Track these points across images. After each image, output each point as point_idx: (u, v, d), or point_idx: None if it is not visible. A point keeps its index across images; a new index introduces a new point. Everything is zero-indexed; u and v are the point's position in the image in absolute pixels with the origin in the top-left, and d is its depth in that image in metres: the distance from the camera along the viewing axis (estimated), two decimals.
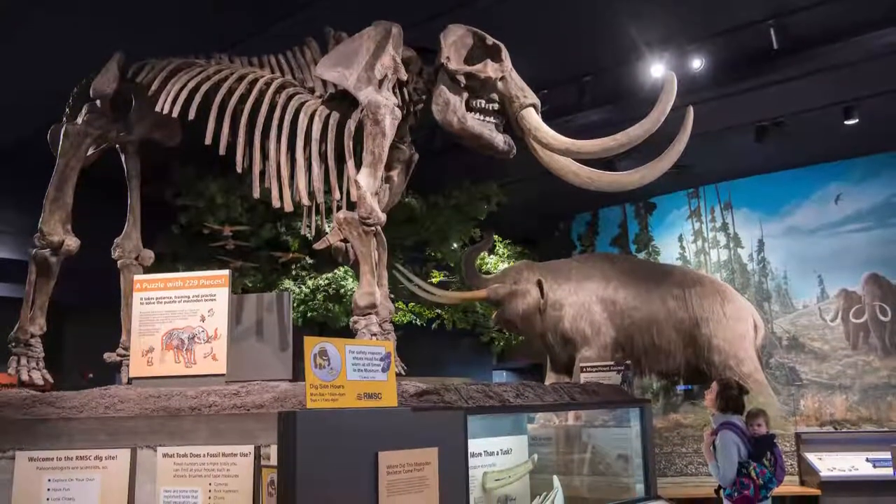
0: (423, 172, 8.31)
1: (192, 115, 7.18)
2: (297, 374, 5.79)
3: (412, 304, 15.93)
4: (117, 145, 8.02)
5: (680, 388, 13.34)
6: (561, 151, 7.09)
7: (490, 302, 13.28)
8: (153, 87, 7.34)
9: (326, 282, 14.33)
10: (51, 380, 7.33)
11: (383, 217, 6.85)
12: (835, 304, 15.28)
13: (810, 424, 12.17)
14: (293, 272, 14.54)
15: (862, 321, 14.89)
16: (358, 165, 6.90)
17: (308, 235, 7.88)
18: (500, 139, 7.28)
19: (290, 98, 7.28)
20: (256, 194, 7.21)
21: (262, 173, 7.17)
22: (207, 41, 8.32)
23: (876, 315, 14.74)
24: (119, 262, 7.93)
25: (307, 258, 14.22)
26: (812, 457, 10.91)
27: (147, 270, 7.87)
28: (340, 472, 4.25)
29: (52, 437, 5.70)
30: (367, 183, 6.70)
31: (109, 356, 7.65)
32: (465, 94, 7.16)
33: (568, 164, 7.18)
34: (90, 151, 7.74)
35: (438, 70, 7.26)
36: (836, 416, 12.69)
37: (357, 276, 6.98)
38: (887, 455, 10.23)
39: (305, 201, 7.13)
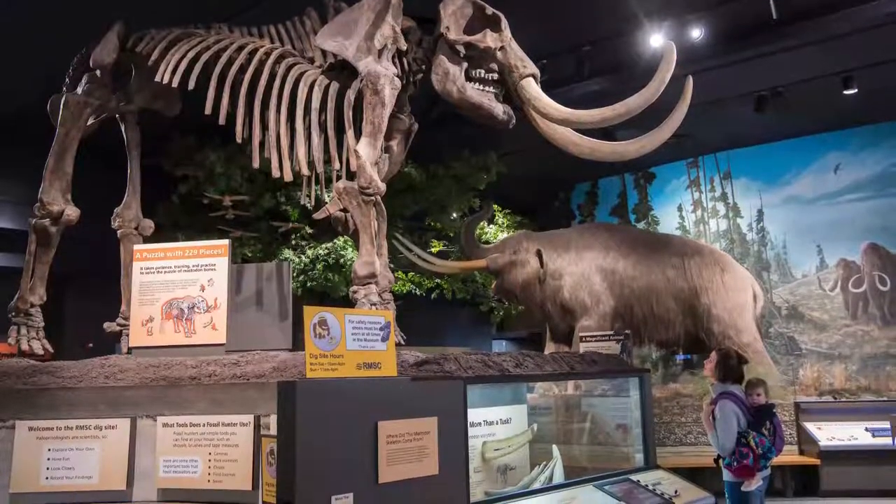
0: (422, 142, 8.31)
1: (191, 84, 7.18)
2: (297, 343, 5.81)
3: (411, 273, 15.94)
4: (117, 115, 8.02)
5: (679, 357, 13.38)
6: (560, 121, 7.09)
7: (489, 272, 13.31)
8: (153, 57, 7.33)
9: (326, 251, 14.31)
10: (51, 349, 7.37)
11: (383, 187, 6.85)
12: (834, 273, 15.30)
13: (809, 394, 12.16)
14: (293, 242, 14.52)
15: (861, 291, 14.92)
16: (358, 135, 6.89)
17: (308, 205, 7.87)
18: (499, 109, 7.26)
19: (289, 68, 7.26)
20: (256, 164, 7.21)
21: (262, 143, 7.17)
22: (207, 11, 8.27)
23: (875, 285, 14.77)
24: (119, 232, 7.95)
25: (307, 228, 14.19)
26: (811, 426, 10.96)
27: (147, 240, 7.88)
28: (340, 442, 4.27)
29: (52, 406, 5.73)
30: (366, 153, 6.70)
31: (109, 326, 7.68)
32: (465, 64, 7.15)
33: (567, 134, 7.19)
34: (90, 121, 7.74)
35: (438, 40, 7.25)
36: (835, 385, 12.68)
37: (357, 246, 6.99)
38: (886, 424, 10.28)
39: (305, 171, 7.13)
